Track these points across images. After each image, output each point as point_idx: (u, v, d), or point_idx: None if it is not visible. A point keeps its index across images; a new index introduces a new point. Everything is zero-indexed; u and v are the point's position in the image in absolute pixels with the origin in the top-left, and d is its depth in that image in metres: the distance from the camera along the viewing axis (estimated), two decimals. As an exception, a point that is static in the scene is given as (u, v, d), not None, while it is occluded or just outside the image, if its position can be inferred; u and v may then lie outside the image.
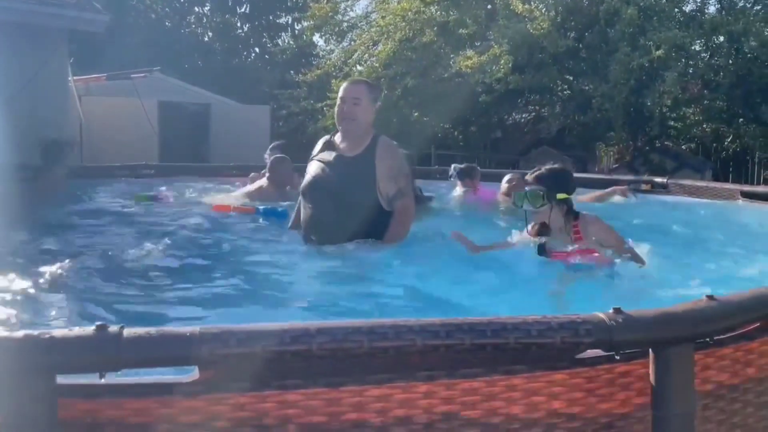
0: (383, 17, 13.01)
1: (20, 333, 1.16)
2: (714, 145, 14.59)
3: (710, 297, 1.50)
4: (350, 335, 1.25)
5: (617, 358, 1.43)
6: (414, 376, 1.36)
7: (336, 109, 3.37)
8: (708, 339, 1.50)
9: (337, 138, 3.41)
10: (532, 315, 1.36)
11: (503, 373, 1.41)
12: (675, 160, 12.68)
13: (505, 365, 1.40)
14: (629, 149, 13.95)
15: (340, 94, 3.35)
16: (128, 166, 7.35)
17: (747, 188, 5.67)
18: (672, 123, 13.66)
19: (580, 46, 12.29)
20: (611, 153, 15.59)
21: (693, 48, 11.94)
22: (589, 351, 1.46)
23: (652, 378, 1.43)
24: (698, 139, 14.61)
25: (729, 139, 14.15)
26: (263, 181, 5.25)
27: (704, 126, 13.80)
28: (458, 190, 5.71)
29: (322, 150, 3.42)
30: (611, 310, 1.40)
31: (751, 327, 1.66)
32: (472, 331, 1.30)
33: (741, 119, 13.03)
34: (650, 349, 1.43)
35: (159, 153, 10.48)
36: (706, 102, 12.69)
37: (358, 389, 1.33)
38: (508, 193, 5.19)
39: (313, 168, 3.39)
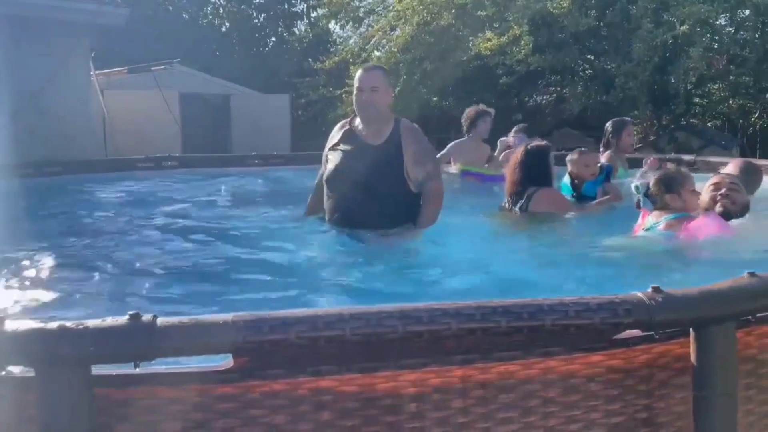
0: (400, 1, 12.88)
1: (54, 324, 1.17)
2: (740, 121, 14.27)
3: (752, 274, 1.45)
4: (384, 320, 1.23)
5: (656, 337, 1.40)
6: (449, 360, 1.34)
7: (354, 97, 3.32)
8: (750, 317, 1.46)
9: (358, 126, 3.35)
10: (569, 296, 1.34)
11: (540, 355, 1.38)
12: (701, 138, 12.42)
13: (541, 347, 1.38)
14: (653, 128, 13.71)
15: (356, 83, 3.30)
16: (152, 158, 7.39)
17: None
18: (697, 100, 13.38)
19: (601, 24, 12.05)
20: (635, 132, 15.33)
21: (718, 22, 11.64)
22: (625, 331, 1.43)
23: (693, 358, 1.39)
24: (724, 116, 14.30)
25: (756, 115, 13.82)
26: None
27: (730, 102, 13.48)
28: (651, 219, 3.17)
29: (343, 139, 3.37)
30: (650, 289, 1.37)
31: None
32: (508, 314, 1.27)
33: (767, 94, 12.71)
34: (691, 329, 1.39)
35: (182, 144, 10.53)
36: (732, 77, 12.38)
37: (392, 374, 1.32)
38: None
39: (337, 157, 3.33)
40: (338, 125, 3.50)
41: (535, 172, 3.73)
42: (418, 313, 1.25)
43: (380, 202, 3.19)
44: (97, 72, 9.74)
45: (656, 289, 1.36)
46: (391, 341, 1.25)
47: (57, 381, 1.13)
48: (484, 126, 5.90)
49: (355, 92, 3.30)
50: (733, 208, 3.05)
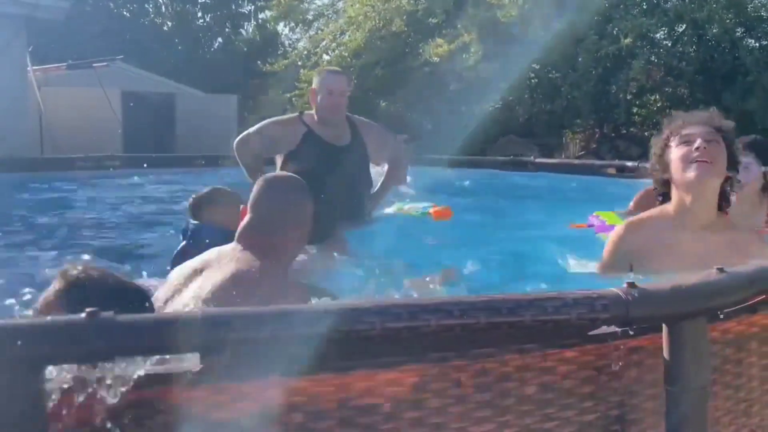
0: (352, 5, 12.87)
1: (2, 321, 1.07)
2: (677, 131, 14.84)
3: (720, 269, 1.47)
4: (362, 316, 1.18)
5: (631, 333, 1.40)
6: (426, 358, 1.30)
7: (324, 100, 3.31)
8: (719, 312, 1.48)
9: (315, 128, 3.34)
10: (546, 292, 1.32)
11: (516, 352, 1.36)
12: (640, 147, 12.88)
13: (518, 344, 1.35)
14: (595, 136, 14.10)
15: (328, 87, 3.31)
16: (92, 158, 7.12)
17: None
18: (636, 110, 13.85)
19: (548, 33, 12.35)
20: (578, 140, 15.75)
21: (657, 36, 12.10)
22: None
23: (666, 353, 1.39)
24: (660, 126, 14.84)
25: (691, 126, 14.39)
26: None
27: (667, 112, 14.02)
28: None
29: (304, 142, 3.31)
30: (625, 285, 1.36)
31: (754, 300, 1.65)
32: (488, 309, 1.24)
33: (702, 105, 13.27)
34: (664, 324, 1.40)
35: (123, 144, 10.19)
36: (668, 89, 12.88)
37: (367, 374, 1.27)
38: None
39: (307, 162, 3.21)
40: (284, 126, 3.44)
41: None
42: (398, 309, 1.20)
43: (359, 200, 3.41)
44: (34, 68, 9.34)
45: (631, 285, 1.35)
46: (369, 339, 1.20)
47: (6, 384, 1.03)
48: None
49: (325, 95, 3.29)
50: None
